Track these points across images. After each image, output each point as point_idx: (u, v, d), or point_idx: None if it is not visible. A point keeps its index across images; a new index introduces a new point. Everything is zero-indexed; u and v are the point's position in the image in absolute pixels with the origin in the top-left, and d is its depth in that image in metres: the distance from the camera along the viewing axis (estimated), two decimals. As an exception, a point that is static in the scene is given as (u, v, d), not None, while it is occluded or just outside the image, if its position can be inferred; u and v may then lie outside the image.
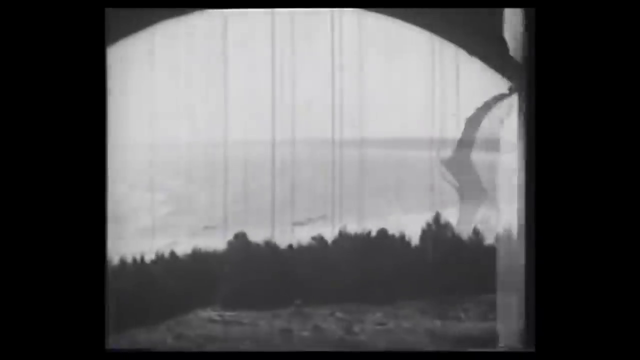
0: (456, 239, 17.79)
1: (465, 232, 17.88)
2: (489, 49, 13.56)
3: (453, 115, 17.10)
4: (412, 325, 14.95)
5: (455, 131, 19.70)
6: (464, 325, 15.13)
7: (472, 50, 13.84)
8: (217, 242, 18.36)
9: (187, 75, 17.34)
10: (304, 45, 17.13)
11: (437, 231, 17.52)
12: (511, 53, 12.31)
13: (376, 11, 13.66)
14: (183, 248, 17.58)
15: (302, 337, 14.48)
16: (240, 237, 17.59)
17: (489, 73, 13.89)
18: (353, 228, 17.63)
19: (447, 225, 17.72)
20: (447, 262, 16.97)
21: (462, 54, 14.06)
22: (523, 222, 12.69)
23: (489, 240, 17.82)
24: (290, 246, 17.37)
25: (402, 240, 17.27)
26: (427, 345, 14.04)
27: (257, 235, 17.77)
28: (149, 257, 17.32)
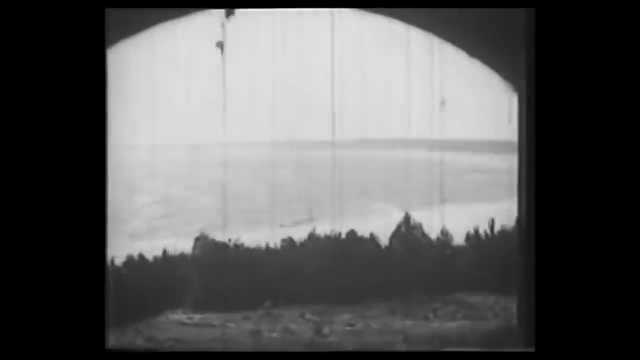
0: (426, 239, 17.91)
1: (434, 232, 18.01)
2: (488, 49, 13.60)
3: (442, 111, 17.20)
4: (381, 326, 15.02)
5: (445, 133, 19.90)
6: (433, 325, 15.21)
7: (472, 51, 13.89)
8: (185, 245, 18.37)
9: (186, 75, 17.47)
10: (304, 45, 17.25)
11: (406, 232, 17.64)
12: (511, 53, 12.38)
13: (376, 12, 13.70)
14: (152, 251, 17.57)
15: (272, 338, 14.51)
16: (208, 240, 17.62)
17: (488, 72, 13.95)
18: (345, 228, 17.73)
19: (417, 226, 17.84)
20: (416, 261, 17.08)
21: (463, 55, 14.14)
22: (523, 222, 12.75)
23: (457, 240, 17.98)
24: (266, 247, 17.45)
25: (372, 240, 17.39)
26: (395, 345, 14.10)
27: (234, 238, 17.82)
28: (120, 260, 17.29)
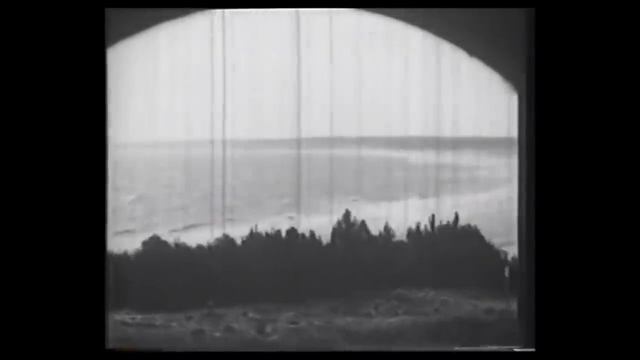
0: (367, 235, 18.00)
1: (376, 228, 18.11)
2: (488, 49, 13.65)
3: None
4: (323, 324, 15.10)
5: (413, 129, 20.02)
6: (374, 321, 15.33)
7: (471, 51, 13.94)
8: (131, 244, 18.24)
9: (185, 76, 17.44)
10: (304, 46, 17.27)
11: (347, 229, 17.71)
12: (511, 53, 12.45)
13: (375, 11, 13.72)
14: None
15: (215, 337, 14.53)
16: (153, 240, 17.54)
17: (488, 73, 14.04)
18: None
19: (357, 223, 17.91)
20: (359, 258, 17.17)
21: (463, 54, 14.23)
22: (523, 221, 12.85)
23: (399, 236, 18.10)
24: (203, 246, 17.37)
25: (312, 238, 17.42)
26: (338, 343, 14.19)
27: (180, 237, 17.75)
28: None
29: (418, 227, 18.20)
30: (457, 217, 18.41)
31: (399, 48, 16.49)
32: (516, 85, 13.18)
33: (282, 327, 14.96)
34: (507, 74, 13.54)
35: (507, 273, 16.51)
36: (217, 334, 14.68)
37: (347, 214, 17.94)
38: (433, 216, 18.42)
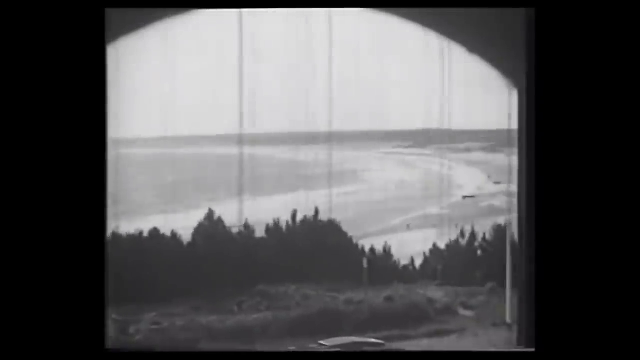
0: (229, 233, 18.19)
1: (237, 225, 18.31)
2: (489, 47, 13.83)
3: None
4: (186, 323, 15.20)
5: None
6: (237, 318, 15.52)
7: (472, 48, 14.10)
8: None
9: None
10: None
11: (209, 227, 17.86)
12: (511, 51, 12.67)
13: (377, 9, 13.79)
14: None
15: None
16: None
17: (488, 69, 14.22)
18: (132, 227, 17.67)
19: (219, 221, 18.08)
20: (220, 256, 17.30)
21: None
22: (523, 221, 13.09)
23: (259, 232, 18.38)
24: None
25: (175, 238, 17.49)
26: (200, 342, 14.32)
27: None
28: None
29: (278, 222, 18.54)
30: (317, 212, 18.84)
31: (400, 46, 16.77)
32: (516, 82, 13.51)
33: (145, 328, 15.00)
34: (508, 71, 13.87)
35: (365, 264, 16.97)
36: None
37: (210, 213, 18.10)
38: (295, 212, 18.79)
